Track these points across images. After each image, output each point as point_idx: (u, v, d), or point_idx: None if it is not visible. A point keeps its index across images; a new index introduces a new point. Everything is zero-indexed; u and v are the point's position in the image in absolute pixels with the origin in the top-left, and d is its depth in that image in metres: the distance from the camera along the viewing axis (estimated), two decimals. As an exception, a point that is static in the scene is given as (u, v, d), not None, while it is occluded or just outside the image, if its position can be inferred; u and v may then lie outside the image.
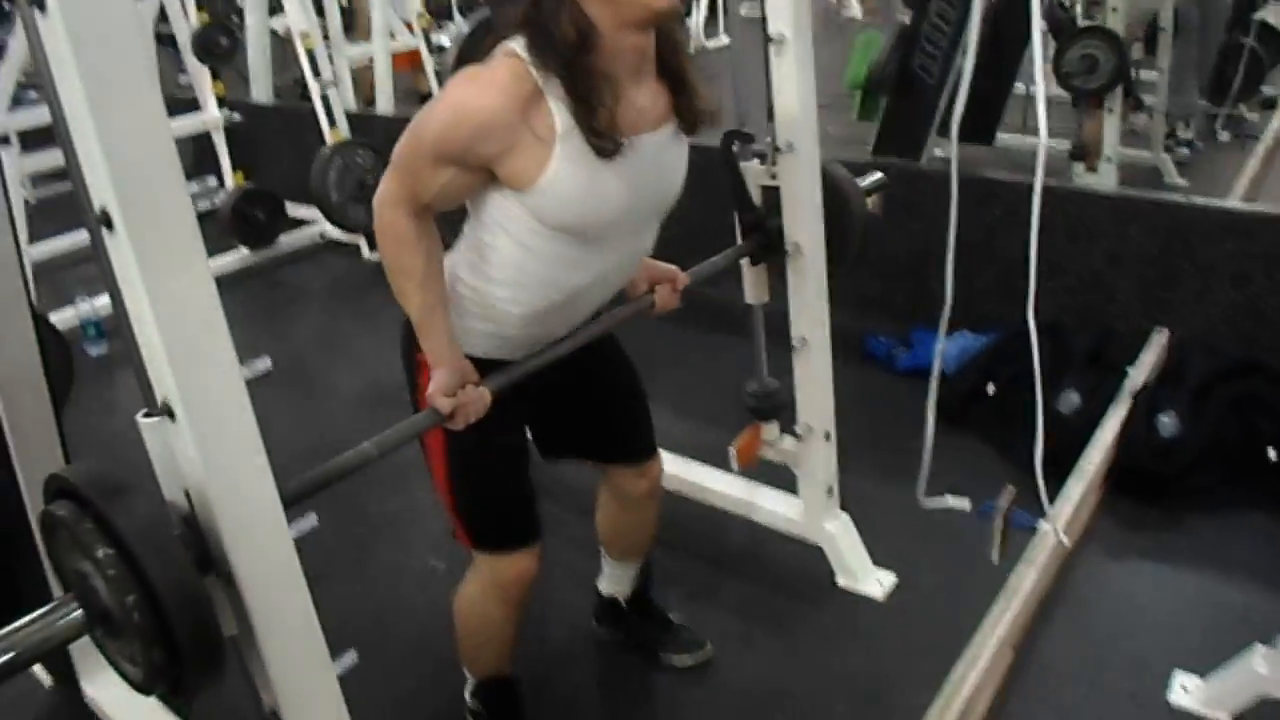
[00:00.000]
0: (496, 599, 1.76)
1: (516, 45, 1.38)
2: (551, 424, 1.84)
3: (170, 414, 1.06)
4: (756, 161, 2.08)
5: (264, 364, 1.16)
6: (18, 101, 4.78)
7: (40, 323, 1.60)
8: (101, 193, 0.97)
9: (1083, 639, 2.19)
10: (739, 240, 2.12)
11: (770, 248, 2.10)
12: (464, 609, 1.83)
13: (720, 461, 2.43)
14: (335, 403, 3.52)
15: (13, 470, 1.63)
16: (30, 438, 1.62)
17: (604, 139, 1.38)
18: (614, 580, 2.17)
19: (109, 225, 0.97)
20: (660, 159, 1.52)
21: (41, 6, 0.90)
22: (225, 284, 4.55)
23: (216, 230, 4.82)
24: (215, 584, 1.14)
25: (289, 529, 1.20)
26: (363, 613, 2.44)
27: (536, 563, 1.73)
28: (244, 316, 4.56)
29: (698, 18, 9.20)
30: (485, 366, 1.57)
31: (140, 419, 1.09)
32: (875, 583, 2.34)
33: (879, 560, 2.39)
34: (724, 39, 9.36)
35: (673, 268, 1.82)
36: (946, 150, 5.04)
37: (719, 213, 2.20)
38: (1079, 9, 5.40)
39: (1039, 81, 1.53)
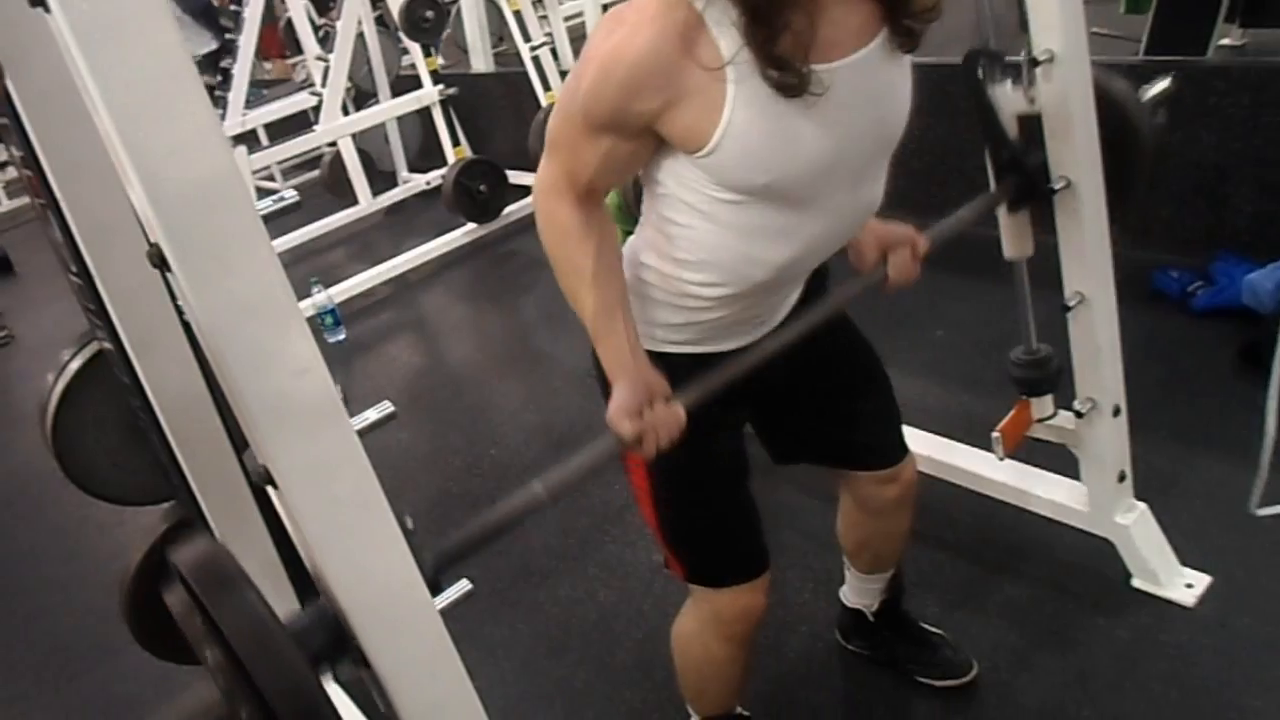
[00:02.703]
0: (718, 637, 1.51)
1: None
2: (777, 425, 1.55)
3: (271, 482, 0.87)
4: (1009, 84, 1.65)
5: (382, 410, 0.95)
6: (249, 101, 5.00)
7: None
8: (151, 228, 0.78)
9: None
10: (992, 183, 1.73)
11: (1032, 190, 1.68)
12: (682, 646, 1.59)
13: (984, 436, 2.05)
14: (559, 380, 3.38)
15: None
16: (201, 454, 1.52)
17: (786, 71, 1.05)
18: (860, 593, 1.87)
19: (164, 265, 0.78)
20: (872, 86, 1.16)
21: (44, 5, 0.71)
22: (453, 261, 4.61)
23: (442, 210, 4.83)
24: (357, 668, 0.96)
25: (438, 600, 0.99)
26: (585, 616, 2.28)
27: (764, 597, 1.47)
28: (472, 294, 4.54)
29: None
30: (680, 364, 1.30)
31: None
32: (1184, 587, 1.91)
33: (1187, 559, 1.96)
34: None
35: (908, 229, 1.43)
36: (1235, 39, 4.32)
37: (968, 141, 1.81)
38: None
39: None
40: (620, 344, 1.23)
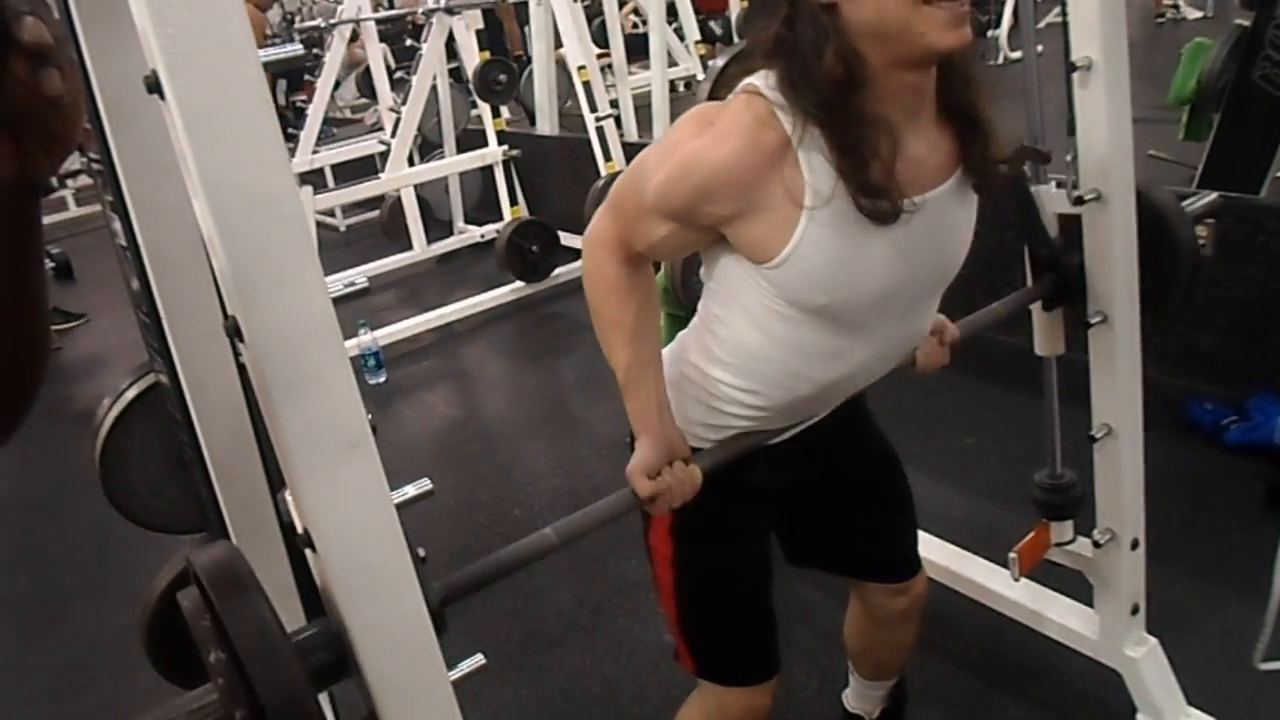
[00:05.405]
0: (721, 732, 1.54)
1: (760, 81, 1.13)
2: (795, 527, 1.57)
3: (311, 546, 0.92)
4: (1054, 185, 1.69)
5: (421, 486, 1.00)
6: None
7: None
8: (230, 298, 0.84)
9: None
10: (1029, 279, 1.75)
11: (1068, 290, 1.70)
12: (684, 737, 1.62)
13: (1002, 550, 2.05)
14: (589, 449, 3.43)
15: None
16: (238, 492, 1.57)
17: (880, 199, 1.09)
18: (861, 698, 1.88)
19: (239, 336, 0.84)
20: (942, 223, 1.21)
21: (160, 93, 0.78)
22: (499, 316, 4.68)
23: (493, 264, 4.94)
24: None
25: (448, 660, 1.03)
26: (590, 689, 2.29)
27: (770, 698, 1.49)
28: (514, 351, 4.62)
29: (1004, 27, 8.50)
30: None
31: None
32: (1189, 726, 1.90)
33: (1193, 698, 1.94)
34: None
35: (939, 317, 1.44)
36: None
37: (1015, 252, 1.83)
38: None
39: None
40: (648, 400, 1.26)
